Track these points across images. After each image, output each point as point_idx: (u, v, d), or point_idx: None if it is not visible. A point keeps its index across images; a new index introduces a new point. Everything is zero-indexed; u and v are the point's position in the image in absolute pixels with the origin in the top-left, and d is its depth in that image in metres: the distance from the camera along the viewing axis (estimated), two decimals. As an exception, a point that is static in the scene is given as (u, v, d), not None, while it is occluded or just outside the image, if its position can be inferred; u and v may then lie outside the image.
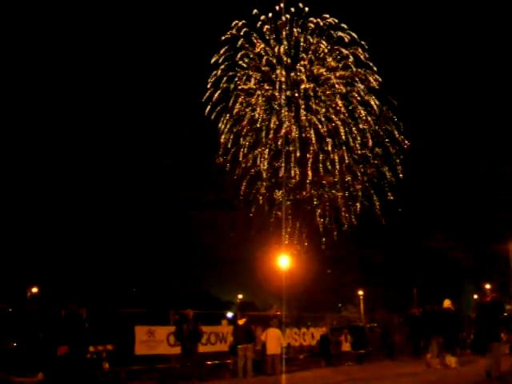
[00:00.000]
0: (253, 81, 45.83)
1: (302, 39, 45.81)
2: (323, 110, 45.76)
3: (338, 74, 46.08)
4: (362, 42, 45.53)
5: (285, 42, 45.48)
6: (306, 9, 45.20)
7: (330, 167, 45.44)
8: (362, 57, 45.66)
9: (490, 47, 59.20)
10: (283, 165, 44.88)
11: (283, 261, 33.16)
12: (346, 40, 45.55)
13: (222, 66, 45.63)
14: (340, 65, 46.14)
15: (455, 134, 53.63)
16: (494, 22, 53.84)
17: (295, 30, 45.66)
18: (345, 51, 45.81)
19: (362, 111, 45.83)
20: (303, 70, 45.80)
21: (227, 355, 16.83)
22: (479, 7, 55.18)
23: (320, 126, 45.32)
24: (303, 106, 45.42)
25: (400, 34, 56.14)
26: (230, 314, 29.68)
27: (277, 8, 45.13)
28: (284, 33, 45.46)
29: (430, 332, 15.15)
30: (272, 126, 45.30)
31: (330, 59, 46.13)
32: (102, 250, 42.17)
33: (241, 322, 15.35)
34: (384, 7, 53.38)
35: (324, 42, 45.88)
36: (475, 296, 46.23)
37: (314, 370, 17.42)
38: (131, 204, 45.11)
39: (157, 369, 15.65)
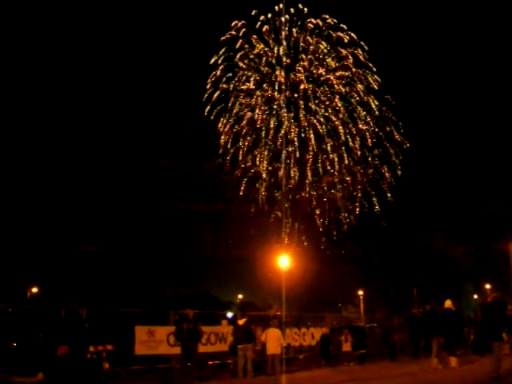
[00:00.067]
0: (252, 81, 45.94)
1: (301, 40, 45.92)
2: (322, 110, 45.87)
3: (337, 75, 46.17)
4: (362, 43, 45.71)
5: (284, 43, 45.58)
6: (306, 9, 45.40)
7: (329, 167, 45.53)
8: (361, 57, 45.81)
9: (489, 47, 59.21)
10: (283, 165, 44.95)
11: (283, 261, 33.13)
12: (346, 40, 45.70)
13: (222, 67, 45.78)
14: (339, 65, 46.23)
15: (455, 134, 53.65)
16: (494, 22, 53.92)
17: (294, 30, 45.81)
18: (344, 52, 45.94)
19: (362, 111, 45.93)
20: (302, 71, 45.88)
21: (227, 355, 16.85)
22: (479, 7, 55.25)
23: (319, 127, 45.41)
24: (302, 107, 45.51)
25: (399, 34, 56.29)
26: (229, 314, 29.66)
27: (276, 8, 45.30)
28: (283, 33, 45.56)
29: (430, 332, 15.15)
30: (271, 126, 45.40)
31: (329, 60, 46.22)
32: (102, 250, 42.18)
33: (241, 321, 15.36)
34: (383, 8, 53.47)
35: (323, 43, 46.01)
36: (475, 296, 46.26)
37: (314, 370, 17.41)
38: (131, 204, 45.12)
39: (157, 369, 15.68)
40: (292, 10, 45.15)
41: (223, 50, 45.39)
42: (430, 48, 59.93)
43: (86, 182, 44.65)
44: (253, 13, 45.24)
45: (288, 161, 45.14)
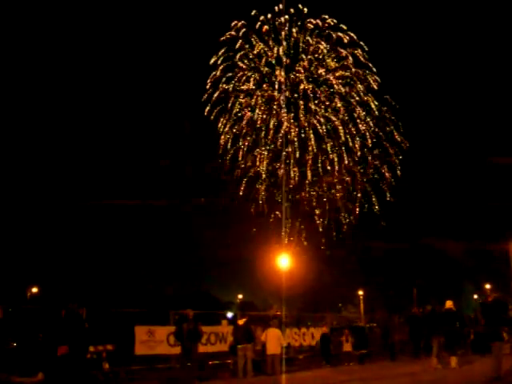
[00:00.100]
0: (252, 81, 45.90)
1: (301, 40, 45.88)
2: (322, 110, 45.84)
3: (337, 75, 46.14)
4: (361, 43, 45.66)
5: (284, 43, 45.52)
6: (305, 9, 45.33)
7: (329, 168, 45.52)
8: (361, 57, 45.77)
9: (489, 47, 59.27)
10: (283, 165, 44.94)
11: (283, 261, 33.15)
12: (345, 41, 45.65)
13: (222, 67, 45.74)
14: (339, 65, 46.20)
15: (455, 134, 53.74)
16: (494, 22, 53.94)
17: (294, 30, 45.76)
18: (344, 52, 45.91)
19: (361, 112, 45.91)
20: (302, 71, 45.86)
21: (227, 355, 16.84)
22: (479, 7, 55.28)
23: (319, 127, 45.39)
24: (302, 107, 45.48)
25: (399, 34, 56.34)
26: (229, 314, 29.66)
27: (276, 9, 45.25)
28: (283, 33, 45.52)
29: (431, 332, 15.15)
30: (271, 126, 45.37)
31: (329, 60, 46.19)
32: (102, 250, 42.18)
33: (241, 321, 15.35)
34: (383, 8, 53.49)
35: (323, 43, 45.97)
36: (475, 296, 46.28)
37: (314, 370, 17.42)
38: (131, 204, 45.09)
39: (157, 369, 15.64)
40: (292, 10, 45.15)
41: (223, 50, 45.40)
42: (430, 48, 60.08)
43: (85, 182, 44.73)
44: (253, 13, 45.23)
45: (288, 161, 45.16)
